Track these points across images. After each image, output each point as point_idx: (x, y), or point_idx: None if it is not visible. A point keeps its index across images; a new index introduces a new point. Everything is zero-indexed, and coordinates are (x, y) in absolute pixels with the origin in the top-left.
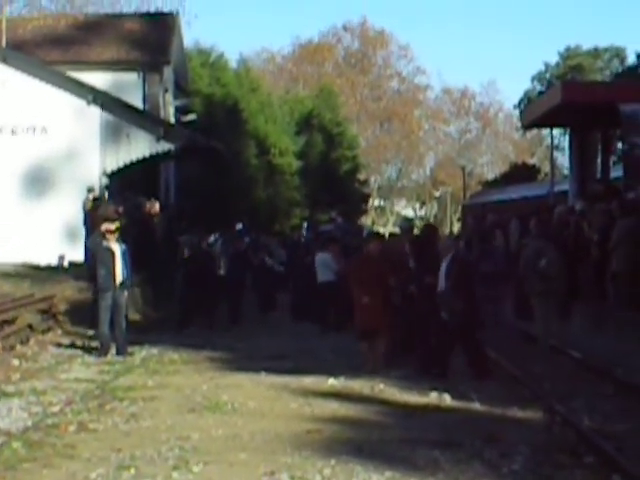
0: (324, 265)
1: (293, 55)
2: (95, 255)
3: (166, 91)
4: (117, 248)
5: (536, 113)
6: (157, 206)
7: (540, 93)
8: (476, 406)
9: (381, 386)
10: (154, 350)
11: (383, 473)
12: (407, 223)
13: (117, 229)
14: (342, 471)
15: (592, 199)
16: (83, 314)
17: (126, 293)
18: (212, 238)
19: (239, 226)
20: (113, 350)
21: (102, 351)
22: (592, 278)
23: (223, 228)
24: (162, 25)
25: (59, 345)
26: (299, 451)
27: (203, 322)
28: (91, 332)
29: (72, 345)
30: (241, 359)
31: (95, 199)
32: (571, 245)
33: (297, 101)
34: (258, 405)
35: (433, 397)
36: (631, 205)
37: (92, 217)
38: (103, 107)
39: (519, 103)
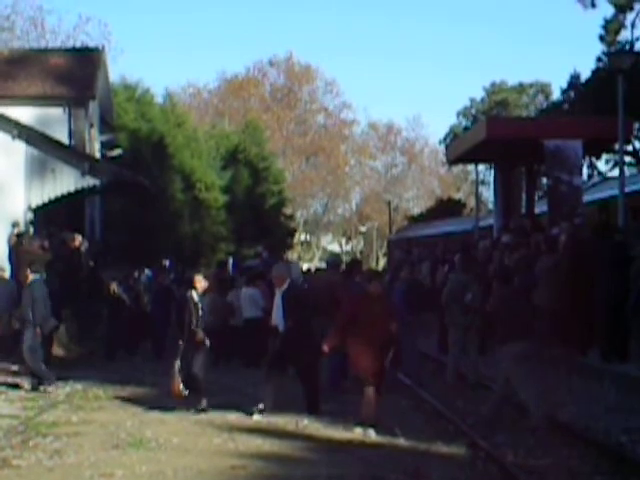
0: (251, 301)
1: (219, 90)
2: (31, 292)
3: (92, 126)
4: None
5: (461, 148)
6: (80, 240)
7: (465, 128)
8: (401, 441)
9: (305, 422)
10: (78, 386)
11: None
12: (334, 258)
13: None
14: None
15: (517, 233)
16: (5, 350)
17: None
18: (136, 273)
19: (166, 262)
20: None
21: (49, 382)
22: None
23: (149, 263)
24: (88, 60)
25: None
26: None
27: (128, 357)
28: (15, 367)
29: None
30: (165, 395)
31: (19, 234)
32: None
33: (223, 136)
34: (182, 441)
35: (358, 432)
36: (555, 240)
37: (17, 252)
38: (28, 142)
39: (445, 138)
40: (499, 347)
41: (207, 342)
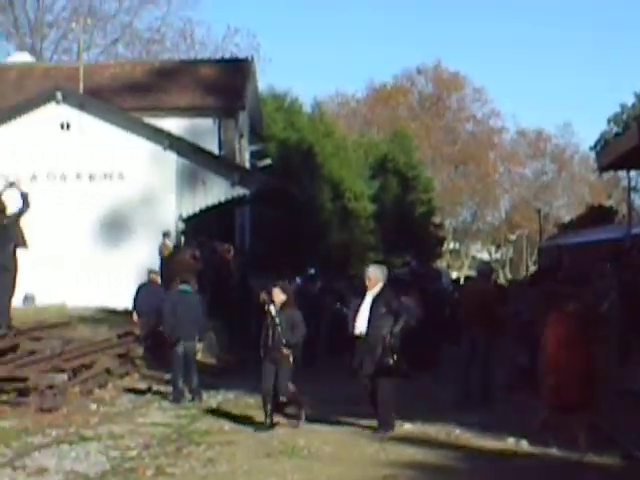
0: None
1: (367, 99)
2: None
3: (241, 136)
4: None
5: (613, 155)
6: (232, 250)
7: (617, 135)
8: (553, 452)
9: (457, 431)
10: (230, 394)
11: None
12: (485, 266)
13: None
14: None
15: None
16: (160, 358)
17: (197, 342)
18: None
19: (312, 270)
20: (188, 396)
21: (175, 397)
22: None
23: (297, 272)
24: (237, 70)
25: (136, 390)
26: None
27: None
28: (168, 376)
29: (149, 389)
30: (318, 403)
31: (174, 246)
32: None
33: (372, 145)
34: (334, 450)
35: (510, 442)
36: None
37: (169, 262)
38: (179, 153)
39: (595, 145)
40: None
41: (291, 358)
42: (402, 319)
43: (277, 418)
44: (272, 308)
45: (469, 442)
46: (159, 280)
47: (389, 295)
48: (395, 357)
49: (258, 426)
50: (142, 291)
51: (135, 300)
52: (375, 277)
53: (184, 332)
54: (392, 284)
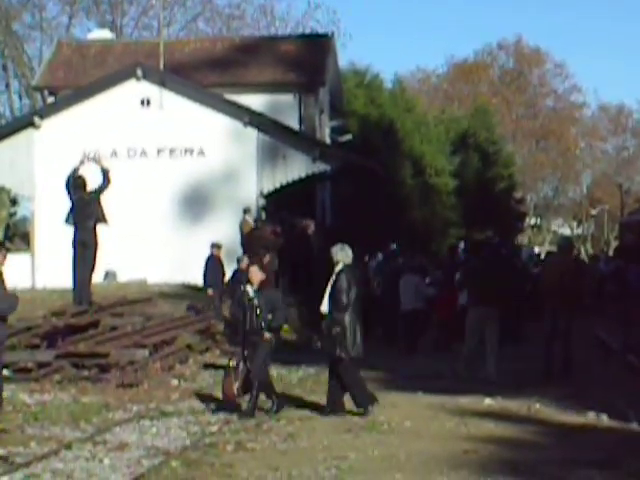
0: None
1: (448, 74)
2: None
3: (322, 112)
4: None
5: None
6: (313, 226)
7: None
8: (634, 426)
9: (537, 406)
10: (311, 369)
11: None
12: (566, 241)
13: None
14: None
15: None
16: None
17: None
18: (366, 258)
19: (393, 246)
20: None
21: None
22: None
23: (378, 248)
24: (317, 46)
25: (217, 365)
26: (456, 471)
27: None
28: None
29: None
30: (397, 378)
31: (255, 221)
32: None
33: (452, 120)
34: (414, 425)
35: (590, 417)
36: None
37: (250, 238)
38: (260, 129)
39: None
40: None
41: (273, 341)
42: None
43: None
44: (249, 289)
45: (549, 417)
46: (221, 254)
47: (349, 274)
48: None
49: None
50: (208, 265)
51: (204, 275)
52: (336, 257)
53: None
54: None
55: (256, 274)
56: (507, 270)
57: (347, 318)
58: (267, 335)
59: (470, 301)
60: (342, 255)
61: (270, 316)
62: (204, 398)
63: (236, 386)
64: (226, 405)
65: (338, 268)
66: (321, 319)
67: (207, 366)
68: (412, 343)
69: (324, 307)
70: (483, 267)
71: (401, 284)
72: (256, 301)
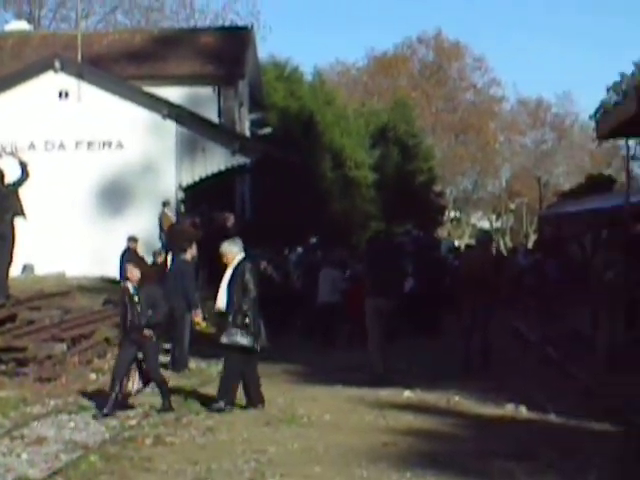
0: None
1: (368, 68)
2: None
3: (241, 105)
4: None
5: (612, 123)
6: (232, 219)
7: (616, 103)
8: (552, 418)
9: (456, 398)
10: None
11: None
12: (485, 235)
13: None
14: None
15: None
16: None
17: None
18: (286, 251)
19: (313, 240)
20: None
21: (176, 367)
22: None
23: (298, 241)
24: (237, 39)
25: None
26: (374, 464)
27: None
28: (167, 346)
29: None
30: (317, 372)
31: (175, 215)
32: None
33: (372, 113)
34: (334, 418)
35: (509, 409)
36: None
37: (169, 231)
38: (179, 121)
39: (595, 113)
40: None
41: (154, 338)
42: (251, 292)
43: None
44: (129, 285)
45: (468, 409)
46: (138, 247)
47: (245, 266)
48: (245, 332)
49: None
50: (125, 258)
51: (121, 269)
52: (230, 252)
53: (176, 301)
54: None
55: (132, 272)
56: (397, 262)
57: (251, 309)
58: (147, 332)
59: (366, 293)
60: (236, 249)
61: (150, 312)
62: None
63: (131, 385)
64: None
65: (236, 261)
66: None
67: None
68: (329, 337)
69: (220, 303)
70: (375, 259)
71: (320, 277)
72: (136, 298)
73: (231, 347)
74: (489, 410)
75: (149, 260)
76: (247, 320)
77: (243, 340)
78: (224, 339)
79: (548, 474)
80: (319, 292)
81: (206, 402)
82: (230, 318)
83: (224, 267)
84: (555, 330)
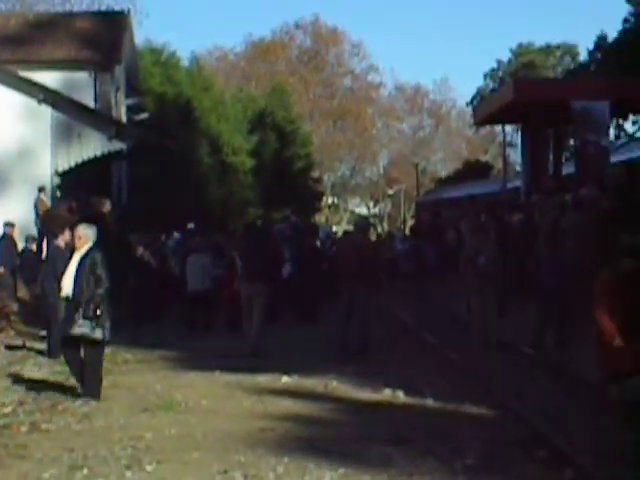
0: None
1: (246, 53)
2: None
3: (118, 90)
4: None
5: (488, 110)
6: (108, 204)
7: (492, 90)
8: (429, 402)
9: (334, 383)
10: (107, 350)
11: (336, 470)
12: (362, 221)
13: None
14: (295, 469)
15: (545, 194)
16: (36, 315)
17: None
18: (164, 237)
19: (191, 225)
20: None
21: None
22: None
23: (176, 227)
24: (113, 24)
25: (11, 346)
26: (252, 449)
27: (156, 321)
28: (44, 333)
29: (24, 345)
30: (194, 358)
31: (52, 200)
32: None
33: (250, 99)
34: (211, 404)
35: (386, 394)
36: (583, 200)
37: (45, 217)
38: (54, 106)
39: (472, 100)
40: None
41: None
42: (104, 283)
43: None
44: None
45: (346, 394)
46: (14, 233)
47: (96, 256)
48: (96, 323)
49: None
50: (1, 244)
51: None
52: (85, 236)
53: (49, 287)
54: (271, 238)
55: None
56: (274, 248)
57: (103, 301)
58: None
59: (242, 278)
60: (90, 234)
61: None
62: None
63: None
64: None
65: (86, 248)
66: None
67: (1, 346)
68: (202, 324)
69: (67, 290)
70: (252, 245)
71: (188, 264)
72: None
73: (81, 338)
74: (367, 395)
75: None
76: (99, 312)
77: (94, 333)
78: (75, 330)
79: (426, 458)
80: (188, 280)
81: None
82: (81, 308)
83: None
84: (432, 315)
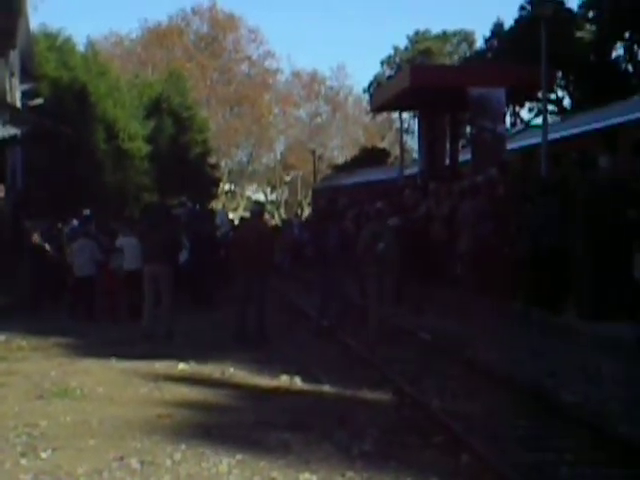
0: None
1: (142, 39)
2: None
3: (12, 75)
4: None
5: (385, 96)
6: (2, 190)
7: (389, 77)
8: (326, 388)
9: (231, 370)
10: (1, 337)
11: (234, 456)
12: (258, 207)
13: None
14: (192, 455)
15: (441, 181)
16: None
17: None
18: (60, 224)
19: (87, 211)
20: None
21: None
22: (440, 260)
23: (72, 214)
24: (7, 8)
25: None
26: (149, 436)
27: (51, 307)
28: None
29: None
30: (90, 345)
31: None
32: (420, 226)
33: (146, 85)
34: (108, 391)
35: (284, 380)
36: (479, 187)
37: None
38: None
39: (369, 87)
40: None
41: None
42: None
43: None
44: None
45: (243, 380)
46: None
47: None
48: None
49: None
50: None
51: None
52: None
53: None
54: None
55: None
56: (172, 230)
57: None
58: None
59: (142, 260)
60: None
61: None
62: None
63: None
64: None
65: None
66: None
67: None
68: (90, 310)
69: None
70: (150, 227)
71: (74, 249)
72: None
73: None
74: (264, 381)
75: None
76: None
77: None
78: None
79: (323, 444)
80: (74, 265)
81: None
82: None
83: None
84: (331, 302)
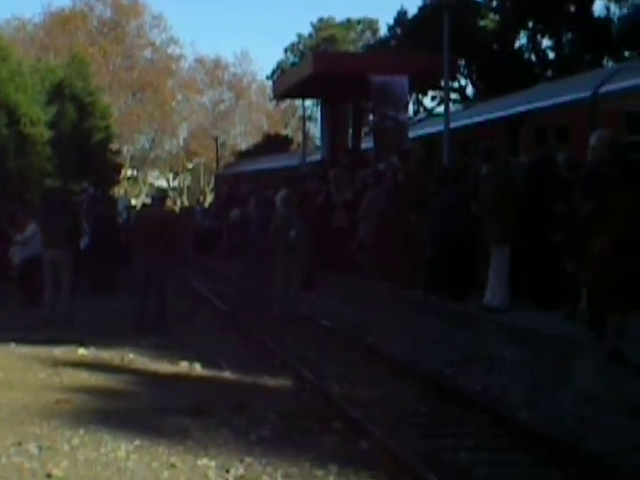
0: None
1: (45, 23)
2: None
3: None
4: None
5: (288, 84)
6: None
7: (293, 64)
8: (226, 374)
9: (131, 356)
10: None
11: (132, 442)
12: (159, 193)
13: None
14: (91, 440)
15: (343, 169)
16: None
17: None
18: None
19: None
20: None
21: None
22: (341, 247)
23: None
24: None
25: None
26: (48, 421)
27: None
28: None
29: None
30: None
31: None
32: (318, 213)
33: (48, 70)
34: (6, 376)
35: (183, 366)
36: (380, 175)
37: None
38: None
39: (272, 74)
40: None
41: None
42: None
43: None
44: None
45: (144, 366)
46: None
47: None
48: None
49: None
50: None
51: None
52: None
53: None
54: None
55: None
56: (72, 215)
57: None
58: None
59: (43, 245)
60: None
61: None
62: None
63: None
64: None
65: None
66: None
67: None
68: None
69: None
70: (51, 212)
71: None
72: None
73: None
74: (164, 367)
75: None
76: None
77: None
78: None
79: (222, 429)
80: None
81: None
82: None
83: None
84: (233, 288)
